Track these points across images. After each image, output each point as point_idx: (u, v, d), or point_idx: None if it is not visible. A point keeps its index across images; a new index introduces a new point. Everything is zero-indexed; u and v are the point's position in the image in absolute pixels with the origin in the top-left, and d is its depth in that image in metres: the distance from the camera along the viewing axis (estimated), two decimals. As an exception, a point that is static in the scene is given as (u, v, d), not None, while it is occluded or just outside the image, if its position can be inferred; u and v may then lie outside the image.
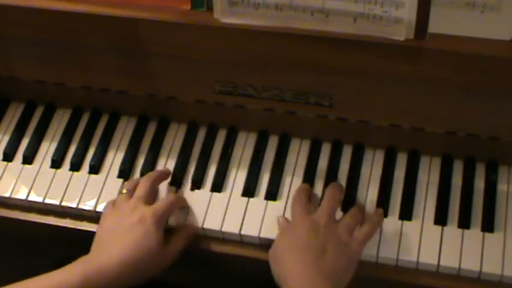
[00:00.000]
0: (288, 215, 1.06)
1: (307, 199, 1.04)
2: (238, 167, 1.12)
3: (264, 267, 0.99)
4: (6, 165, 1.15)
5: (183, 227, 1.06)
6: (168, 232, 1.03)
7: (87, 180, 1.13)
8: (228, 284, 1.16)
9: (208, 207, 1.08)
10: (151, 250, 0.97)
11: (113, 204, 1.05)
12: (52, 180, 1.13)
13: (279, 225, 1.04)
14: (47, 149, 1.17)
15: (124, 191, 1.06)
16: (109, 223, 1.02)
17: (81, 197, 1.11)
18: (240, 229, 1.05)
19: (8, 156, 1.16)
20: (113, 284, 0.94)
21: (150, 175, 1.08)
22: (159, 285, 1.12)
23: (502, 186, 1.07)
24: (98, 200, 1.10)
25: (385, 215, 1.05)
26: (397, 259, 1.01)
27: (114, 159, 1.15)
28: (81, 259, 0.97)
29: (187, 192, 1.10)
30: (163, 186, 1.10)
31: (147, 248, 0.97)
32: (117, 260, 0.95)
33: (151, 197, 1.06)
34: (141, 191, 1.04)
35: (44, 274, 0.95)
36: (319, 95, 1.07)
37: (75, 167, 1.14)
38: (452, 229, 1.03)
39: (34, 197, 1.11)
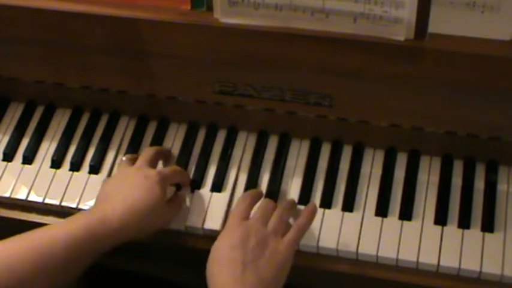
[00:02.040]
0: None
1: (251, 204, 1.02)
2: (238, 167, 1.12)
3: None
4: (6, 165, 1.15)
5: (180, 193, 1.08)
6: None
7: (87, 180, 1.13)
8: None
9: (208, 207, 1.08)
10: (155, 204, 0.99)
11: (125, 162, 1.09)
12: (52, 180, 1.13)
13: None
14: (47, 149, 1.17)
15: (124, 158, 1.10)
16: (113, 181, 1.05)
17: (81, 197, 1.11)
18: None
19: (8, 156, 1.16)
20: (117, 235, 0.96)
21: (153, 147, 1.11)
22: (159, 285, 1.12)
23: (502, 186, 1.07)
24: (98, 200, 1.10)
25: (385, 215, 1.05)
26: (397, 259, 1.01)
27: (114, 159, 1.15)
28: (85, 212, 1.00)
29: (187, 192, 1.10)
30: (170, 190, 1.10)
31: (151, 201, 0.99)
32: (120, 211, 0.96)
33: (154, 164, 1.08)
34: (145, 155, 1.08)
35: (47, 226, 0.97)
36: (319, 95, 1.07)
37: (75, 167, 1.14)
38: (452, 229, 1.03)
39: (34, 197, 1.11)
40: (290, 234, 0.98)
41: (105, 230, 0.95)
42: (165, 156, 1.13)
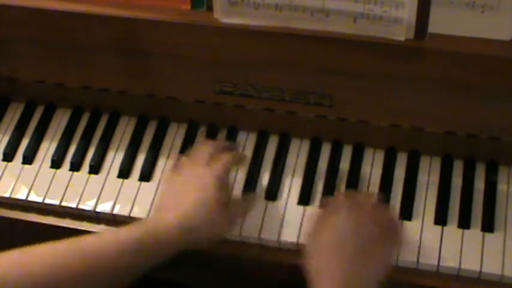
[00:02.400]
0: (287, 215, 1.06)
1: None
2: (238, 167, 1.12)
3: (264, 268, 0.99)
4: (6, 165, 1.15)
5: (244, 198, 1.06)
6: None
7: (87, 180, 1.13)
8: (228, 284, 1.16)
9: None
10: (211, 202, 0.95)
11: (171, 171, 1.05)
12: (52, 180, 1.13)
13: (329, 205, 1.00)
14: (47, 149, 1.17)
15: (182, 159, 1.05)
16: (169, 187, 1.01)
17: (81, 197, 1.10)
18: (240, 230, 1.05)
19: (8, 156, 1.16)
20: (172, 241, 0.92)
21: (212, 143, 1.07)
22: (160, 285, 1.12)
23: (502, 186, 1.07)
24: (97, 200, 1.10)
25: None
26: (397, 259, 1.01)
27: (114, 159, 1.15)
28: (145, 219, 0.99)
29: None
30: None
31: (206, 199, 0.95)
32: (175, 214, 0.93)
33: (206, 162, 1.02)
34: (195, 156, 1.03)
35: (107, 231, 0.96)
36: (319, 95, 1.07)
37: (75, 167, 1.14)
38: (452, 229, 1.03)
39: (34, 197, 1.11)
40: (395, 237, 0.97)
41: (160, 234, 0.92)
42: (218, 148, 1.06)
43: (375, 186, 1.08)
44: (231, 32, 1.03)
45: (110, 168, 1.14)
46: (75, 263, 0.88)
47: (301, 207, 1.07)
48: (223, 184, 0.99)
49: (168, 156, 1.14)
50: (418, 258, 1.01)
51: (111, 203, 1.09)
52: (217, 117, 1.16)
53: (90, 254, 0.89)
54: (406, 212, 1.05)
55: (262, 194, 1.09)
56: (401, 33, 0.97)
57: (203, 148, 1.04)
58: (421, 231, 1.03)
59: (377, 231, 0.93)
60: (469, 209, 1.05)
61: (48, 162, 1.15)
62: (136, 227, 0.93)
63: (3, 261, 0.87)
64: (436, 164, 1.10)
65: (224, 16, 1.02)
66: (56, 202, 1.10)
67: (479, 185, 1.07)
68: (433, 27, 0.97)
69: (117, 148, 1.16)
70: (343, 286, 0.88)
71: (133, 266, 0.91)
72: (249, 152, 1.14)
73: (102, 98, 1.18)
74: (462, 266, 1.00)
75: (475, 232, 1.03)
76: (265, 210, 1.07)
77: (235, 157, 1.05)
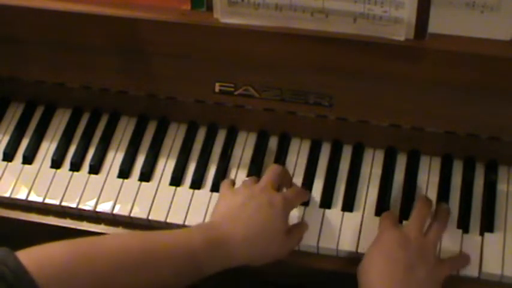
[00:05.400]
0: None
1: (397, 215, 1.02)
2: (238, 167, 1.12)
3: (264, 269, 0.99)
4: (6, 165, 1.15)
5: (302, 223, 1.04)
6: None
7: (87, 180, 1.13)
8: (229, 284, 1.16)
9: (208, 208, 1.08)
10: (276, 234, 0.95)
11: (230, 182, 1.04)
12: (52, 180, 1.13)
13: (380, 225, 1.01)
14: (47, 149, 1.17)
15: (247, 178, 1.04)
16: (236, 196, 0.99)
17: (81, 197, 1.11)
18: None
19: (8, 156, 1.16)
20: (230, 258, 0.92)
21: (278, 166, 1.05)
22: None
23: (502, 186, 1.07)
24: (98, 200, 1.10)
25: (385, 215, 1.05)
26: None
27: (114, 159, 1.15)
28: (204, 225, 0.95)
29: (187, 191, 1.10)
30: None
31: (273, 231, 0.95)
32: (242, 233, 0.92)
33: (277, 186, 1.02)
34: (269, 177, 1.01)
35: (163, 231, 0.93)
36: (319, 95, 1.07)
37: (75, 167, 1.14)
38: (452, 229, 1.03)
39: (34, 197, 1.11)
40: (450, 263, 0.97)
41: (223, 249, 0.91)
42: (287, 178, 1.07)
43: (374, 186, 1.08)
44: (231, 32, 1.03)
45: (110, 168, 1.14)
46: (137, 257, 0.88)
47: (301, 208, 1.06)
48: (289, 212, 0.99)
49: (168, 157, 1.14)
50: (418, 258, 1.01)
51: (111, 203, 1.09)
52: (217, 117, 1.16)
53: (157, 256, 0.89)
54: (406, 212, 1.05)
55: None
56: (401, 33, 0.97)
57: (271, 172, 1.03)
58: (421, 231, 1.03)
59: (424, 270, 0.93)
60: (468, 209, 1.05)
61: (48, 162, 1.15)
62: (204, 231, 0.92)
63: (67, 251, 0.85)
64: (436, 164, 1.10)
65: (224, 16, 1.02)
66: (56, 202, 1.10)
67: (479, 185, 1.07)
68: (433, 27, 0.97)
69: (117, 148, 1.16)
70: None
71: (189, 270, 0.91)
72: (249, 152, 1.14)
73: (102, 98, 1.18)
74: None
75: (474, 232, 1.03)
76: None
77: (304, 191, 1.05)
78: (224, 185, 1.05)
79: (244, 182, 1.04)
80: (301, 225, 1.03)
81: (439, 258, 0.98)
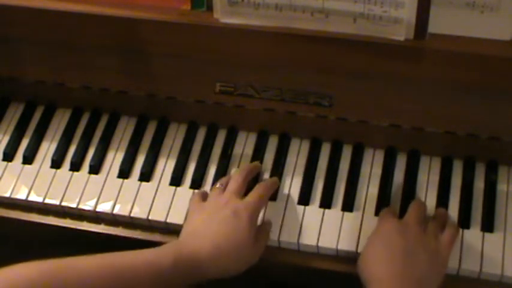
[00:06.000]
0: (287, 215, 1.06)
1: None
2: (238, 167, 1.12)
3: (264, 268, 0.99)
4: (6, 165, 1.15)
5: (266, 222, 1.05)
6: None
7: (87, 180, 1.13)
8: (229, 284, 1.16)
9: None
10: (244, 243, 0.96)
11: (199, 197, 1.05)
12: (52, 180, 1.13)
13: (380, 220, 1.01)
14: (47, 149, 1.17)
15: (217, 185, 1.05)
16: (202, 214, 1.01)
17: (81, 197, 1.11)
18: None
19: (8, 156, 1.16)
20: (201, 273, 0.93)
21: (242, 170, 1.06)
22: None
23: (502, 186, 1.07)
24: (98, 200, 1.10)
25: (385, 215, 1.05)
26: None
27: (114, 159, 1.15)
28: (172, 243, 0.96)
29: (187, 191, 1.10)
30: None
31: (240, 240, 0.96)
32: (209, 249, 0.94)
33: (243, 192, 1.04)
34: (233, 185, 1.03)
35: (132, 251, 0.93)
36: (319, 95, 1.07)
37: (75, 167, 1.14)
38: (452, 229, 1.03)
39: (34, 197, 1.11)
40: (450, 235, 0.98)
41: (193, 267, 0.93)
42: (256, 172, 1.09)
43: (374, 186, 1.08)
44: (231, 32, 1.03)
45: (110, 168, 1.14)
46: (107, 278, 0.89)
47: (301, 207, 1.07)
48: (256, 218, 1.00)
49: (168, 157, 1.14)
50: (418, 258, 1.01)
51: (111, 203, 1.09)
52: (217, 117, 1.16)
53: (127, 276, 0.90)
54: (406, 212, 1.05)
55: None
56: (401, 33, 0.97)
57: (236, 178, 1.04)
58: (421, 231, 1.03)
59: (425, 259, 0.94)
60: (468, 209, 1.05)
61: (48, 162, 1.15)
62: (171, 250, 0.93)
63: (39, 271, 0.86)
64: (436, 164, 1.10)
65: (224, 16, 1.02)
66: (56, 202, 1.10)
67: (479, 185, 1.07)
68: (433, 27, 0.97)
69: (117, 148, 1.16)
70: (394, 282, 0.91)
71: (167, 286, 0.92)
72: (249, 152, 1.14)
73: (102, 98, 1.18)
74: (462, 266, 1.00)
75: (474, 232, 1.03)
76: (266, 210, 1.07)
77: (269, 187, 1.05)
78: (192, 202, 1.06)
79: (211, 193, 1.04)
80: (265, 225, 1.04)
81: (437, 241, 0.97)
